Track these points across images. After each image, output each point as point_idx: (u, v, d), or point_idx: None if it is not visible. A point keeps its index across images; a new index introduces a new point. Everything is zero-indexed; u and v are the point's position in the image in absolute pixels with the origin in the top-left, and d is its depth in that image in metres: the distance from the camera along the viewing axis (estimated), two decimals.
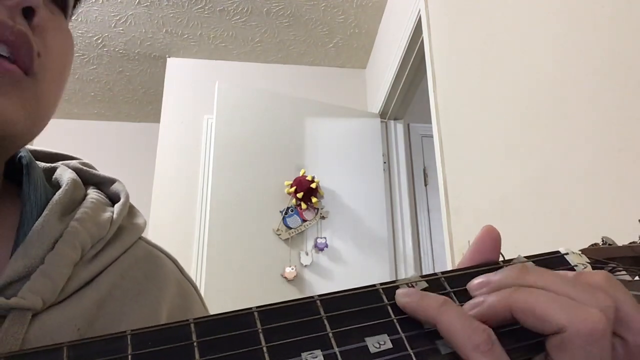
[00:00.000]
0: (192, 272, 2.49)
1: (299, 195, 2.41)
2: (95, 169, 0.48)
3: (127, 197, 0.46)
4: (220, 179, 2.36)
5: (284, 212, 2.42)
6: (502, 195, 1.32)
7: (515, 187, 1.25)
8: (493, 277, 0.27)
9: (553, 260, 0.30)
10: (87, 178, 0.46)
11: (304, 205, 2.43)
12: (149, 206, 2.65)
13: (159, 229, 2.57)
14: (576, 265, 0.30)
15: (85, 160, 0.48)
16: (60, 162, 0.46)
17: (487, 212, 1.40)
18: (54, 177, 0.44)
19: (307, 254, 2.39)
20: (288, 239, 2.39)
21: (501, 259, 0.30)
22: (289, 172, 2.49)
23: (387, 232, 2.58)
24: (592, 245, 0.34)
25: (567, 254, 0.31)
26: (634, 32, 0.87)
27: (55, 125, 3.54)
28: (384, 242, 2.53)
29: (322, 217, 2.48)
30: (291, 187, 2.44)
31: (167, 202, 2.68)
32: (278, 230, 2.38)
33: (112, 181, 0.47)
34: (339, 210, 2.53)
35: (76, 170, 0.45)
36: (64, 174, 0.43)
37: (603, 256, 0.32)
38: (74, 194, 0.42)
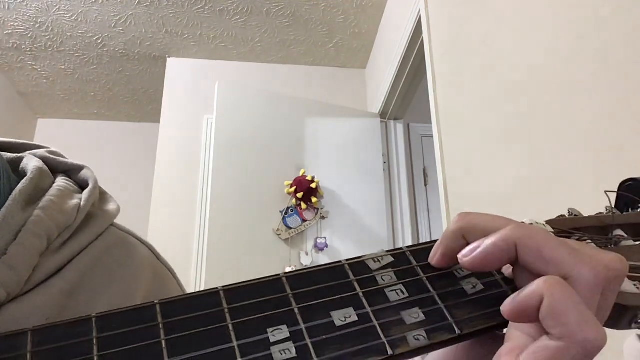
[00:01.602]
0: (192, 272, 2.48)
1: (299, 195, 2.41)
2: (64, 157, 0.47)
3: (96, 182, 0.45)
4: (220, 179, 2.36)
5: (284, 212, 2.42)
6: (502, 195, 1.32)
7: (515, 187, 1.25)
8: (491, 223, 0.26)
9: None
10: (55, 166, 0.45)
11: (304, 205, 2.43)
12: (149, 206, 2.65)
13: (159, 229, 2.57)
14: None
15: (53, 149, 0.47)
16: (27, 152, 0.45)
17: (487, 212, 1.40)
18: (20, 167, 0.43)
19: (307, 254, 2.39)
20: (288, 239, 2.39)
21: None
22: (289, 172, 2.49)
23: (387, 232, 2.58)
24: (559, 216, 0.33)
25: (531, 224, 0.31)
26: (635, 30, 0.87)
27: (55, 125, 3.55)
28: (384, 242, 2.53)
29: (322, 217, 2.48)
30: (291, 187, 2.44)
31: (167, 202, 2.68)
32: (278, 230, 2.38)
33: (81, 168, 0.46)
34: (339, 210, 2.53)
35: (43, 158, 0.45)
36: (30, 163, 0.42)
37: (569, 227, 0.32)
38: (40, 183, 0.41)
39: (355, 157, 2.67)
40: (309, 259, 2.38)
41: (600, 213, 0.34)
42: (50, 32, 2.72)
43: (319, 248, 2.41)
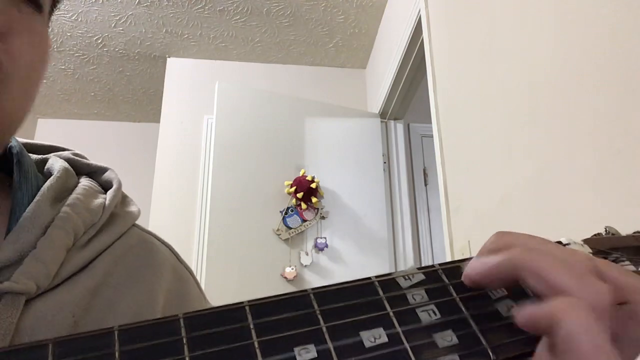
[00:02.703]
0: None
1: (299, 195, 2.41)
2: (87, 159, 0.48)
3: (120, 184, 0.45)
4: (220, 179, 2.36)
5: (284, 212, 2.42)
6: (502, 195, 1.32)
7: (515, 187, 1.25)
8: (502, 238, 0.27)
9: None
10: (79, 168, 0.46)
11: (304, 205, 2.43)
12: (149, 206, 2.65)
13: (159, 229, 2.55)
14: None
15: (77, 151, 0.48)
16: (53, 154, 0.46)
17: (487, 212, 1.40)
18: (45, 167, 0.44)
19: (307, 254, 2.39)
20: (288, 239, 2.39)
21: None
22: (289, 172, 2.49)
23: (387, 232, 2.58)
24: (595, 235, 0.33)
25: (568, 244, 0.30)
26: (635, 31, 0.87)
27: (55, 125, 3.55)
28: (384, 242, 2.53)
29: (322, 217, 2.48)
30: (291, 187, 2.44)
31: (167, 202, 2.68)
32: (278, 230, 2.38)
33: (104, 170, 0.47)
34: (339, 210, 2.53)
35: (68, 160, 0.45)
36: (56, 164, 0.43)
37: (606, 246, 0.31)
38: (66, 182, 0.42)
39: (355, 157, 2.66)
40: (309, 259, 2.37)
41: (638, 232, 0.33)
42: (50, 32, 2.72)
43: (319, 248, 2.41)
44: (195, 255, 2.53)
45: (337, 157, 2.63)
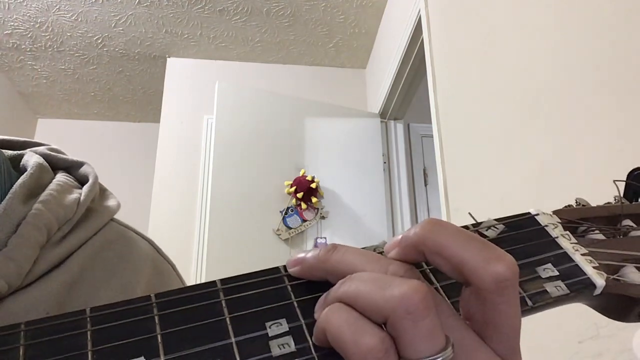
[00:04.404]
0: (192, 272, 2.48)
1: (299, 195, 2.41)
2: (64, 154, 0.47)
3: (96, 178, 0.45)
4: (220, 179, 2.36)
5: (284, 212, 2.42)
6: (502, 195, 1.32)
7: (515, 187, 1.25)
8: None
9: (523, 222, 0.29)
10: (55, 162, 0.45)
11: (304, 205, 2.43)
12: (149, 206, 2.65)
13: (159, 229, 2.57)
14: (547, 226, 0.29)
15: (54, 146, 0.47)
16: (28, 149, 0.45)
17: (487, 212, 1.39)
18: (21, 163, 0.43)
19: None
20: (288, 239, 2.39)
21: (472, 222, 0.29)
22: (289, 172, 2.49)
23: (387, 232, 2.58)
24: (566, 206, 0.32)
25: (537, 214, 0.30)
26: (634, 31, 0.87)
27: (55, 125, 3.55)
28: None
29: (322, 217, 2.48)
30: (291, 187, 2.44)
31: (167, 202, 2.68)
32: (278, 230, 2.38)
33: (81, 164, 0.46)
34: (339, 210, 2.53)
35: (44, 155, 0.45)
36: (31, 160, 0.42)
37: (576, 217, 0.30)
38: (40, 178, 0.41)
39: (355, 157, 2.66)
40: None
41: (609, 203, 0.33)
42: (50, 32, 2.72)
43: (319, 248, 2.41)
44: (195, 255, 2.53)
45: (337, 157, 2.63)
